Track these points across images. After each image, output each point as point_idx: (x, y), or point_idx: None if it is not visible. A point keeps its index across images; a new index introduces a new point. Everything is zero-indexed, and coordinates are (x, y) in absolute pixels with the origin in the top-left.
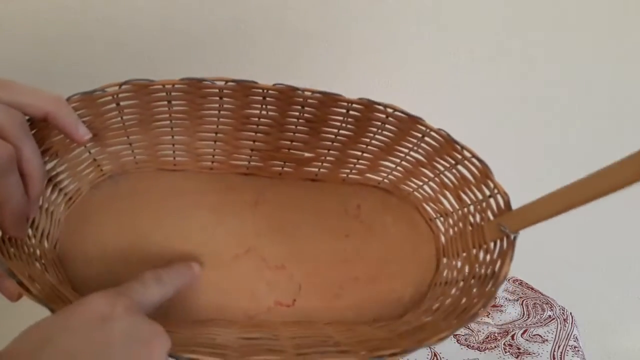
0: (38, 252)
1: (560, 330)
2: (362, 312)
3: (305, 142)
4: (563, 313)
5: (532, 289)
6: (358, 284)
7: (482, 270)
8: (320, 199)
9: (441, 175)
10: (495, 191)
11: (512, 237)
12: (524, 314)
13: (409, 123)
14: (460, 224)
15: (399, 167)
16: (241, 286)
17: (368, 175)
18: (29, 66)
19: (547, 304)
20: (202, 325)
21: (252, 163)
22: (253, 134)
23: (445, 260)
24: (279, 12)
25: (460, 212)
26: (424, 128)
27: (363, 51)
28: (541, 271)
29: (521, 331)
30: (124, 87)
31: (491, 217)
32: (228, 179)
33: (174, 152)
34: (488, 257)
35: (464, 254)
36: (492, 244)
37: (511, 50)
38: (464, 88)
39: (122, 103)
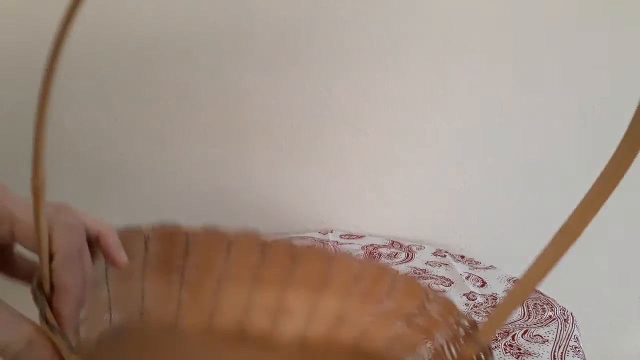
0: None
1: (561, 330)
2: None
3: None
4: (564, 313)
5: None
6: None
7: None
8: None
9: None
10: (461, 320)
11: (486, 346)
12: (524, 314)
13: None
14: None
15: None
16: None
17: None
18: (29, 65)
19: (547, 304)
20: None
21: None
22: None
23: None
24: (280, 12)
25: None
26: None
27: (364, 50)
28: None
29: (522, 331)
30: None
31: (462, 342)
32: None
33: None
34: None
35: None
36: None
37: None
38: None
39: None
